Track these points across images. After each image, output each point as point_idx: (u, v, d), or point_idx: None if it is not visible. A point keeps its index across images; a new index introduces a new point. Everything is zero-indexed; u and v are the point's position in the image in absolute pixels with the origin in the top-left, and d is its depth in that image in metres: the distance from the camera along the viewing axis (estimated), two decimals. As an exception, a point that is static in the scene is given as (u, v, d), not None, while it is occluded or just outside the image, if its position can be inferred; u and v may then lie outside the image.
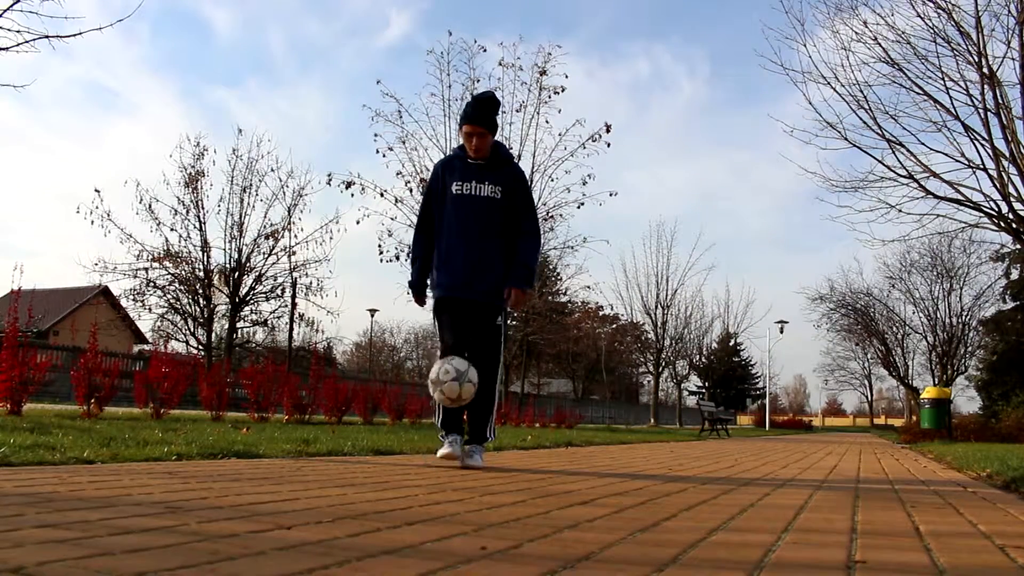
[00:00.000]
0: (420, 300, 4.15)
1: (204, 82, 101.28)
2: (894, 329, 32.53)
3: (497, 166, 4.01)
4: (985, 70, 12.17)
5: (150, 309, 17.40)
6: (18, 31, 7.60)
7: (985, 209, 12.91)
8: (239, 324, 18.13)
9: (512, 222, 4.01)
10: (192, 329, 17.69)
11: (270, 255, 17.67)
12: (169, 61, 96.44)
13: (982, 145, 12.47)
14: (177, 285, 17.30)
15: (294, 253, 17.69)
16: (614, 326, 41.78)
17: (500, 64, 16.36)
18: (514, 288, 3.93)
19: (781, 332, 43.08)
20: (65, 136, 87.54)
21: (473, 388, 3.63)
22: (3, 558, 1.22)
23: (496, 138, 4.05)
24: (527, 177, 4.47)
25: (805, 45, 13.45)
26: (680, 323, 35.31)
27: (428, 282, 4.09)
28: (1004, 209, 12.65)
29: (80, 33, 7.85)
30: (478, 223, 3.92)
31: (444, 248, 3.98)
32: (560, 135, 16.34)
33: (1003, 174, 12.30)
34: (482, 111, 3.94)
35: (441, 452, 3.89)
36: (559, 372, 48.41)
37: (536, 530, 1.77)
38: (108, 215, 16.38)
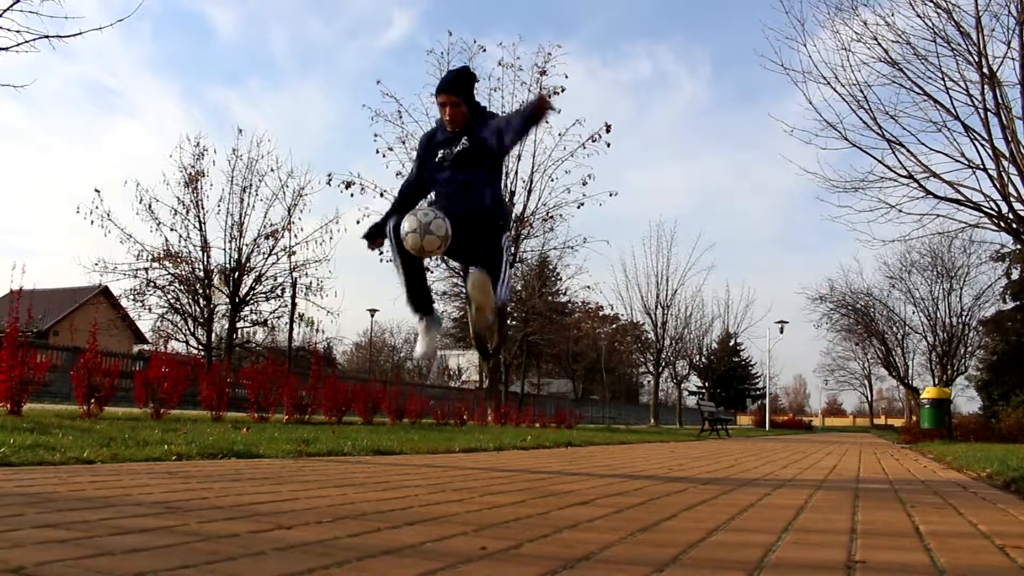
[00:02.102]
0: (373, 241, 3.99)
1: (205, 82, 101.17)
2: (894, 329, 32.54)
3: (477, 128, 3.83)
4: (985, 70, 12.16)
5: (150, 309, 17.39)
6: (18, 31, 7.62)
7: (985, 209, 12.92)
8: (239, 324, 18.10)
9: (498, 154, 3.80)
10: (192, 329, 17.67)
11: (270, 255, 17.65)
12: (170, 61, 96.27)
13: (982, 145, 12.47)
14: (177, 285, 17.28)
15: (294, 253, 17.67)
16: (614, 326, 41.74)
17: (500, 64, 16.38)
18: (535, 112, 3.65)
19: (781, 332, 43.06)
20: (65, 136, 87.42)
21: (436, 240, 3.47)
22: (3, 558, 1.22)
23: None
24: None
25: (805, 45, 13.47)
26: (680, 323, 35.32)
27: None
28: (1004, 209, 12.65)
29: (80, 33, 7.89)
30: (462, 173, 3.78)
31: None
32: (560, 135, 16.34)
33: (1003, 174, 12.30)
34: (452, 79, 3.83)
35: (419, 350, 3.75)
36: (559, 372, 48.37)
37: (536, 530, 1.77)
38: (108, 215, 16.36)
